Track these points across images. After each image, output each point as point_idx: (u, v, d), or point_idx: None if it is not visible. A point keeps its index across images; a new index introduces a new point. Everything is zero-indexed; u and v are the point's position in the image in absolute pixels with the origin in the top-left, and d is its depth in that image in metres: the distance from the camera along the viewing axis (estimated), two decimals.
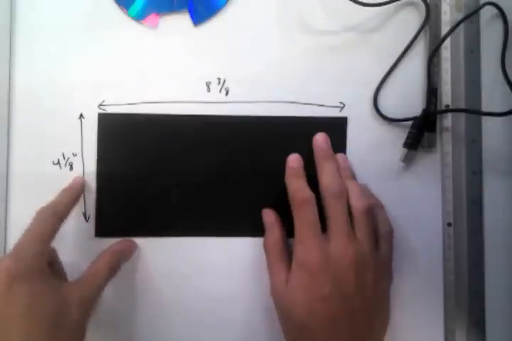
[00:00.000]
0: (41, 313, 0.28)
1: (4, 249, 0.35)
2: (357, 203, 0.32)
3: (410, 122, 0.36)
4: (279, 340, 0.34)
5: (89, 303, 0.31)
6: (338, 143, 0.36)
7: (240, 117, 0.36)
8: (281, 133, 0.36)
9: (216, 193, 0.36)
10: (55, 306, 0.29)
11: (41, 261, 0.30)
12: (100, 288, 0.32)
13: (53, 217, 0.31)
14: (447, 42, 0.36)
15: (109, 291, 0.35)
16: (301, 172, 0.34)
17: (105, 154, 0.36)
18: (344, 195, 0.33)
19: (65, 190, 0.34)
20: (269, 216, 0.35)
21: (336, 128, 0.36)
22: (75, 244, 0.35)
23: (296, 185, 0.33)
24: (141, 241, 0.36)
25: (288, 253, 0.34)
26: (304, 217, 0.32)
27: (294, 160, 0.34)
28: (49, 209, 0.32)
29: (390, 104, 0.36)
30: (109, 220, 0.36)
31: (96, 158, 0.36)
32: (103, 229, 0.35)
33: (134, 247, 0.35)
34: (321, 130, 0.35)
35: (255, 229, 0.35)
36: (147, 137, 0.36)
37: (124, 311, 0.36)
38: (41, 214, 0.31)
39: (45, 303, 0.28)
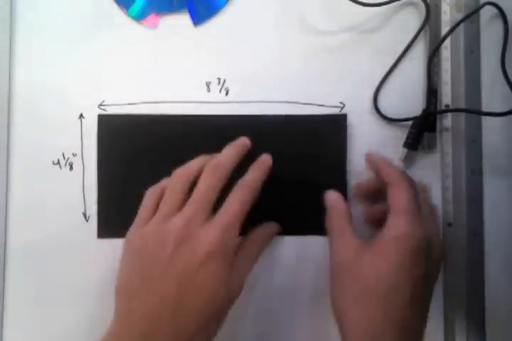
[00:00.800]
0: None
1: (4, 248, 0.35)
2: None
3: (410, 122, 0.36)
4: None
5: None
6: (338, 141, 0.36)
7: (240, 117, 0.36)
8: (281, 132, 0.36)
9: None
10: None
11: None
12: None
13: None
14: (447, 42, 0.36)
15: None
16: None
17: (105, 154, 0.36)
18: None
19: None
20: (331, 195, 0.34)
21: (336, 125, 0.36)
22: (75, 244, 0.35)
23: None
24: None
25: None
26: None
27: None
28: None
29: (390, 104, 0.36)
30: (110, 221, 0.36)
31: (96, 158, 0.36)
32: (105, 231, 0.35)
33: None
34: (320, 127, 0.36)
35: (254, 228, 0.35)
36: (147, 137, 0.36)
37: None
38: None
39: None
